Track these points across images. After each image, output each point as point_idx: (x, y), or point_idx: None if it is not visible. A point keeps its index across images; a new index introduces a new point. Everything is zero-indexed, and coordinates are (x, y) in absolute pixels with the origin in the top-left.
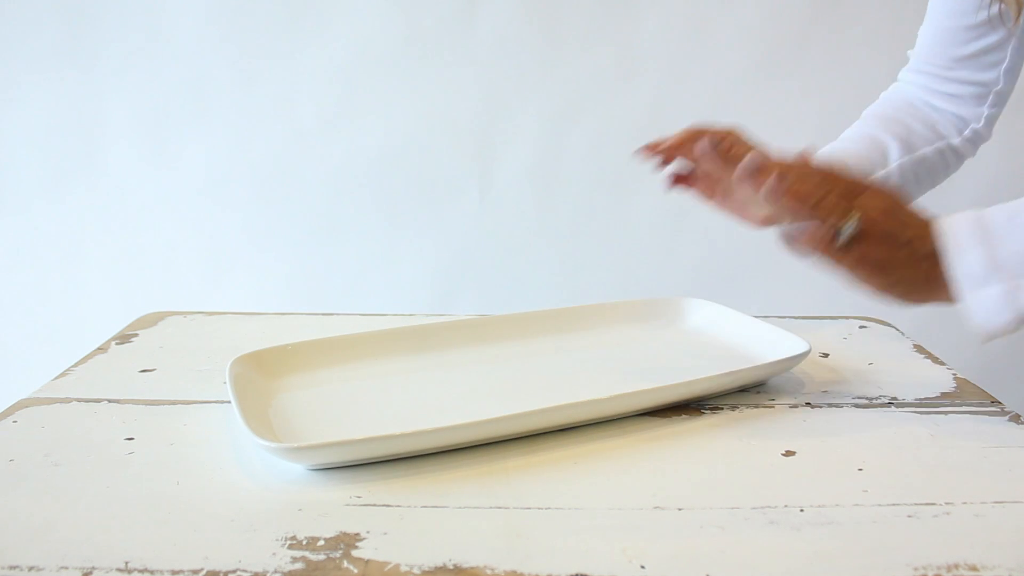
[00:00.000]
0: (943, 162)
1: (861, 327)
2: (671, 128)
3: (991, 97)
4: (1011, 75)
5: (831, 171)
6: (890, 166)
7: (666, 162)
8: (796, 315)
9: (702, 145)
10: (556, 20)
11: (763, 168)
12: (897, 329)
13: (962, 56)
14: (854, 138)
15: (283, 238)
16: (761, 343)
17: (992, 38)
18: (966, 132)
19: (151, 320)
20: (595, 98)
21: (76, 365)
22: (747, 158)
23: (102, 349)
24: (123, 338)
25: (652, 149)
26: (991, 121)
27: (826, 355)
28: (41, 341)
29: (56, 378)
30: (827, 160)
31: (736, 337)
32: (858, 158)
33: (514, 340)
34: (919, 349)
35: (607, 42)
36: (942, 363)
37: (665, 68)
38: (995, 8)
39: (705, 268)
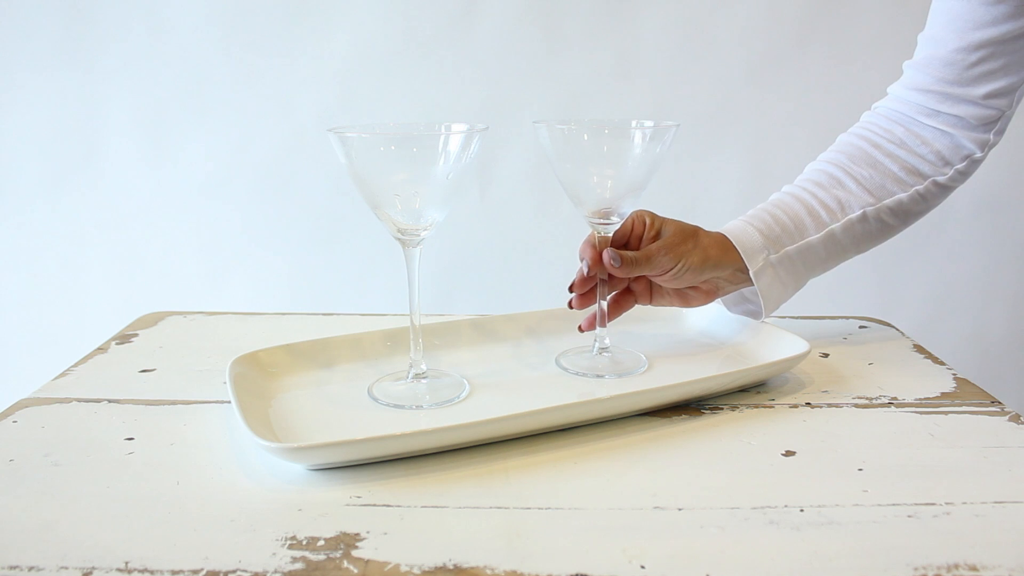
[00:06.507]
0: (922, 204)
1: (861, 327)
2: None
3: (1000, 122)
4: None
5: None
6: (848, 216)
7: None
8: (796, 315)
9: (605, 258)
10: (556, 20)
11: (624, 265)
12: (897, 329)
13: (983, 42)
14: (810, 182)
15: (283, 238)
16: (761, 343)
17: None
18: (959, 165)
19: (151, 320)
20: (595, 98)
21: (76, 365)
22: (605, 257)
23: (102, 349)
24: (123, 338)
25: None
26: (990, 148)
27: (826, 355)
28: (41, 341)
29: (56, 378)
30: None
31: (736, 337)
32: (808, 210)
33: (514, 340)
34: (919, 349)
35: (607, 42)
36: (942, 363)
37: (665, 68)
38: None
39: None
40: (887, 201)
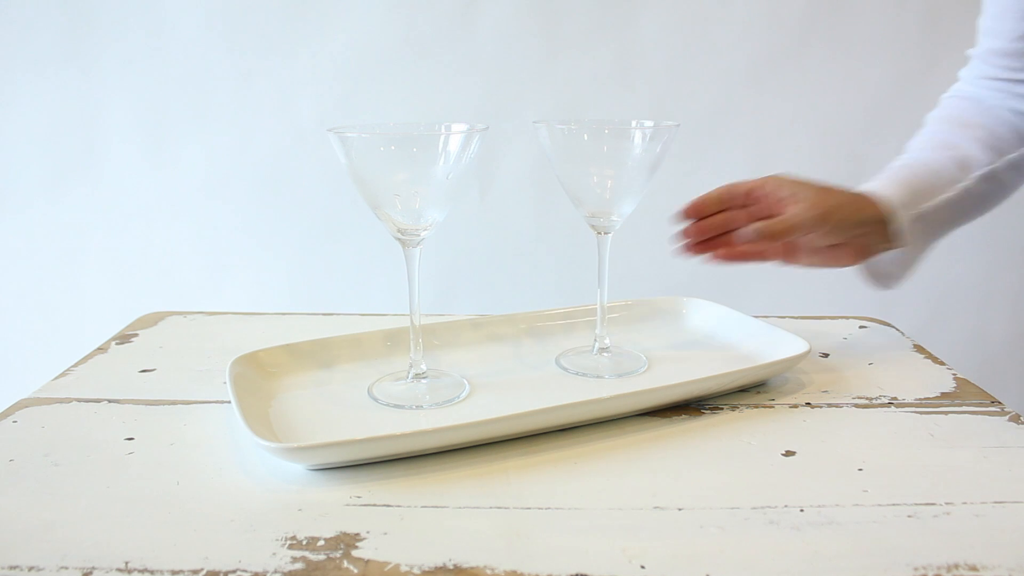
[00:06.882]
0: None
1: (861, 327)
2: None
3: None
4: None
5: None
6: (975, 173)
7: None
8: (796, 315)
9: (745, 235)
10: (556, 20)
11: (770, 236)
12: (897, 329)
13: None
14: (927, 148)
15: (283, 238)
16: (761, 343)
17: None
18: None
19: (151, 320)
20: (595, 98)
21: (76, 365)
22: (749, 233)
23: (102, 349)
24: (123, 338)
25: (692, 215)
26: None
27: (826, 355)
28: (41, 341)
29: (56, 378)
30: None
31: (736, 337)
32: (937, 170)
33: (514, 340)
34: (919, 349)
35: (607, 42)
36: (942, 363)
37: (665, 68)
38: None
39: (705, 268)
40: (1009, 156)
